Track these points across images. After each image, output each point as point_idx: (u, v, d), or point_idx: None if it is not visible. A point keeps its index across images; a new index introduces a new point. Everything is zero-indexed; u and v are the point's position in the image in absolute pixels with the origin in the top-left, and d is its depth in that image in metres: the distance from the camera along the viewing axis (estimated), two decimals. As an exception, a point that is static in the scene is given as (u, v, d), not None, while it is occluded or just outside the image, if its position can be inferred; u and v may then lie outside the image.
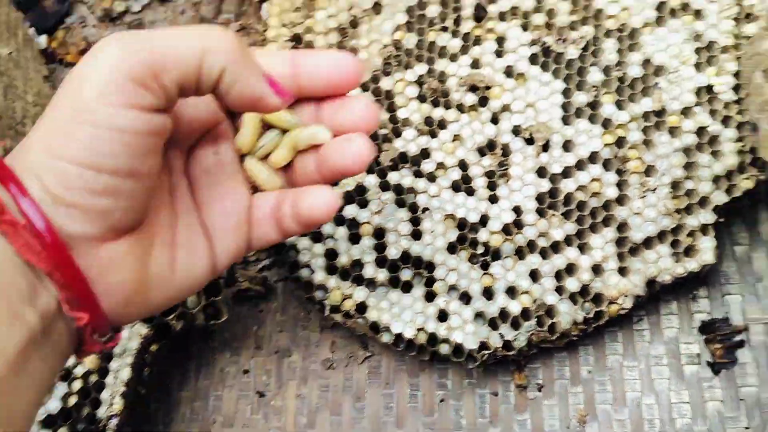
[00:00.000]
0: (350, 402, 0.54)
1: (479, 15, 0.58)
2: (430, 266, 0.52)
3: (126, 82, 0.29)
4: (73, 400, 0.51)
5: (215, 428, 0.54)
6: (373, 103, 0.37)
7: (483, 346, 0.49)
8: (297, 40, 0.59)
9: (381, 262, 0.52)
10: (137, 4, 0.67)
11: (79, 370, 0.51)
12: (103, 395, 0.51)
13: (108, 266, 0.32)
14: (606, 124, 0.54)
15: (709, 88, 0.54)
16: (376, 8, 0.60)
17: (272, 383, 0.55)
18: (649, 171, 0.52)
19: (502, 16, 0.58)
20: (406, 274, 0.52)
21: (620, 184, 0.52)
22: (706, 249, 0.51)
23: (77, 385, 0.51)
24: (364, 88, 0.57)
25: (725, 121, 0.53)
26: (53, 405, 0.51)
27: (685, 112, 0.53)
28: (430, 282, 0.52)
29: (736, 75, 0.53)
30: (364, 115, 0.36)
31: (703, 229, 0.52)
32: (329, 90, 0.36)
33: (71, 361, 0.51)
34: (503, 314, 0.50)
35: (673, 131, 0.53)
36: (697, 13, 0.55)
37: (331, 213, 0.36)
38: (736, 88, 0.53)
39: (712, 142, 0.53)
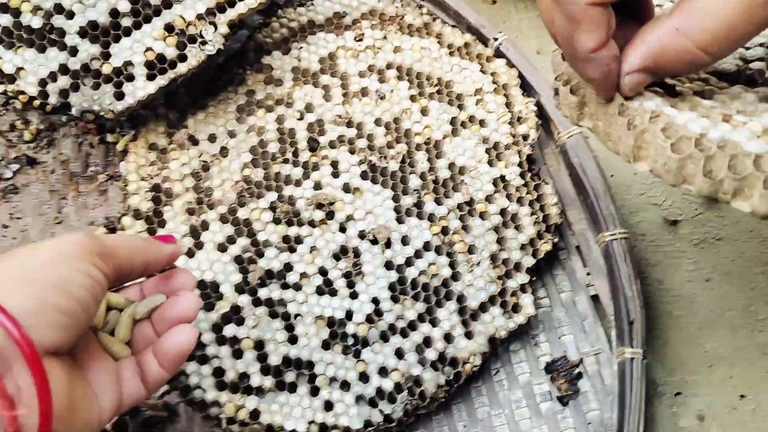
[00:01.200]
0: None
1: (312, 146, 0.69)
2: (310, 365, 0.59)
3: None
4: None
5: None
6: (196, 298, 0.49)
7: (367, 423, 0.56)
8: (157, 189, 0.66)
9: (265, 370, 0.58)
10: (8, 170, 0.71)
11: None
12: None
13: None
14: (431, 218, 0.66)
15: (502, 178, 0.68)
16: (223, 152, 0.69)
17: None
18: (471, 249, 0.65)
19: (332, 144, 0.69)
20: (289, 377, 0.58)
21: (452, 264, 0.64)
22: (528, 304, 0.63)
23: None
24: (223, 220, 0.65)
25: (520, 200, 0.67)
26: None
27: (489, 198, 0.67)
28: (312, 378, 0.58)
29: (520, 165, 0.68)
30: (190, 310, 0.48)
31: (522, 288, 0.64)
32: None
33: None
34: (380, 392, 0.58)
35: (483, 215, 0.66)
36: (482, 122, 0.70)
37: (193, 343, 0.47)
38: (522, 175, 0.68)
39: (513, 218, 0.67)
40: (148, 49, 0.63)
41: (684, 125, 0.41)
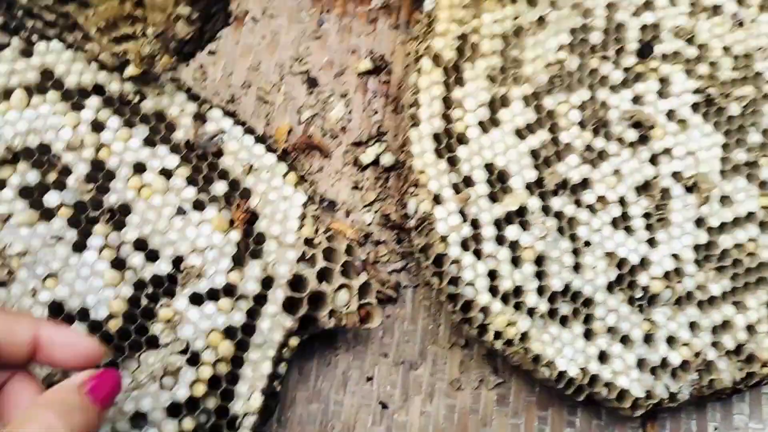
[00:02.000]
0: (476, 427, 0.52)
1: (643, 52, 0.57)
2: (589, 303, 0.51)
3: None
4: (200, 389, 0.46)
5: (332, 436, 0.51)
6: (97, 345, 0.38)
7: (649, 395, 0.49)
8: (464, 39, 0.56)
9: (540, 291, 0.50)
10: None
11: (208, 356, 0.46)
12: (239, 388, 0.46)
13: None
14: (763, 185, 0.55)
15: None
16: (541, 22, 0.58)
17: (396, 395, 0.52)
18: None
19: (665, 57, 0.57)
20: (564, 309, 0.50)
21: (776, 249, 0.53)
22: None
23: (206, 371, 0.46)
24: (527, 102, 0.55)
25: None
26: (181, 392, 0.46)
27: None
28: (588, 319, 0.50)
29: None
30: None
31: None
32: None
33: (200, 343, 0.46)
34: (664, 364, 0.50)
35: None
36: None
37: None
38: None
39: None
40: None
41: None
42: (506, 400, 0.53)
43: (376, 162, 0.57)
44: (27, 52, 0.51)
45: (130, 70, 0.50)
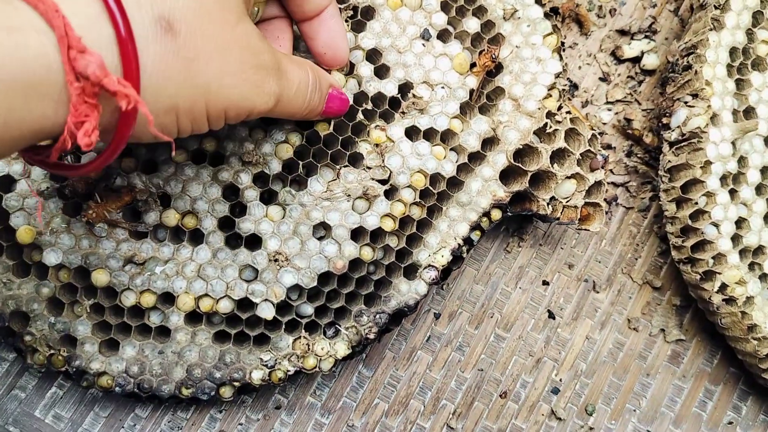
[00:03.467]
0: (637, 372, 0.48)
1: None
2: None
3: None
4: (389, 224, 0.42)
5: (488, 321, 0.47)
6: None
7: None
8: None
9: (779, 261, 0.44)
10: None
11: (407, 195, 0.43)
12: (429, 238, 0.43)
13: None
14: None
15: None
16: None
17: (567, 310, 0.48)
18: None
19: None
20: (798, 289, 0.44)
21: None
22: None
23: (400, 209, 0.43)
24: None
25: None
26: (371, 220, 0.42)
27: None
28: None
29: None
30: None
31: None
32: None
33: (403, 179, 0.43)
34: None
35: None
36: None
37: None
38: None
39: None
40: None
41: None
42: (679, 359, 0.48)
43: (635, 59, 0.49)
44: None
45: None
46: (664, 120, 0.44)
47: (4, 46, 0.25)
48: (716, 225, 0.42)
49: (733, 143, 0.43)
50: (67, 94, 0.26)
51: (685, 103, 0.43)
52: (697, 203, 0.42)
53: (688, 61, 0.44)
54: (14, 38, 0.25)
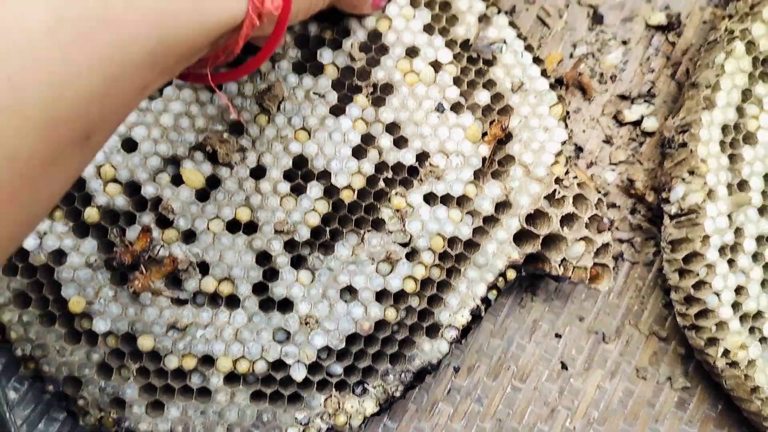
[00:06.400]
0: (646, 419, 0.50)
1: None
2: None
3: None
4: (411, 286, 0.46)
5: (505, 373, 0.50)
6: None
7: None
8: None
9: (777, 314, 0.47)
10: None
11: (427, 257, 0.46)
12: (449, 299, 0.46)
13: None
14: None
15: None
16: None
17: (579, 361, 0.51)
18: None
19: None
20: (796, 340, 0.46)
21: None
22: None
23: (421, 271, 0.46)
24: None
25: None
26: (394, 282, 0.45)
27: None
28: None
29: None
30: None
31: None
32: None
33: (423, 242, 0.46)
34: None
35: None
36: None
37: None
38: None
39: None
40: None
41: None
42: (686, 405, 0.51)
43: (636, 122, 0.53)
44: None
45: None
46: (664, 195, 0.47)
47: None
48: (717, 294, 0.45)
49: (730, 216, 0.46)
50: None
51: (683, 179, 0.46)
52: (698, 274, 0.45)
53: (683, 139, 0.47)
54: None
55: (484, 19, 0.50)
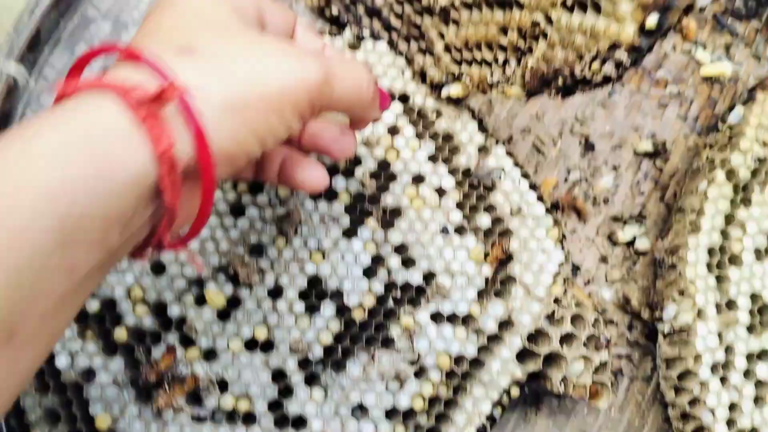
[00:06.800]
0: None
1: None
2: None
3: None
4: (419, 404, 0.48)
5: None
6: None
7: None
8: (761, 163, 0.54)
9: None
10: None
11: (435, 375, 0.48)
12: (456, 416, 0.48)
13: None
14: None
15: None
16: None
17: (584, 476, 0.52)
18: None
19: None
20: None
21: None
22: None
23: (429, 389, 0.48)
24: None
25: None
26: (403, 400, 0.48)
27: None
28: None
29: None
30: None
31: None
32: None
33: (431, 360, 0.48)
34: None
35: None
36: None
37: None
38: None
39: None
40: None
41: None
42: None
43: (630, 242, 0.56)
44: (354, 46, 0.56)
45: (455, 91, 0.53)
46: (657, 314, 0.50)
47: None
48: (712, 411, 0.48)
49: (720, 335, 0.49)
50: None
51: (673, 299, 0.50)
52: (692, 391, 0.48)
53: (672, 261, 0.51)
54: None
55: (483, 149, 0.54)
